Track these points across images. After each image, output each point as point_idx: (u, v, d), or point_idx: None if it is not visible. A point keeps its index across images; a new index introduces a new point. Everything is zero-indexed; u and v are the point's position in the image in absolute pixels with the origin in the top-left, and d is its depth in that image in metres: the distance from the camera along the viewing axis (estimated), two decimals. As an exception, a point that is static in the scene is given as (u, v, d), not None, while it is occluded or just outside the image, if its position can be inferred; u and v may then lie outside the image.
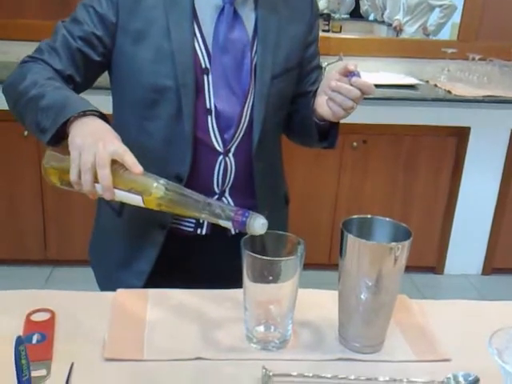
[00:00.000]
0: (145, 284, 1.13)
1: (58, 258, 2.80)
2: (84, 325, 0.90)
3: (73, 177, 0.87)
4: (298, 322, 0.89)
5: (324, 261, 2.73)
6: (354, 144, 2.68)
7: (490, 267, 2.98)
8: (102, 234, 1.27)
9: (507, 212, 2.88)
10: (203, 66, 1.08)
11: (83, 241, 2.82)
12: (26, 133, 2.54)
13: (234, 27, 1.08)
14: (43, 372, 0.78)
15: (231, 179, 1.14)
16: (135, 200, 0.86)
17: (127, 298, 0.97)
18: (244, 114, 1.11)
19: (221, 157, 1.11)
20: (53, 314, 0.90)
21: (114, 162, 0.85)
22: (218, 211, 0.84)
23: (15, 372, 0.60)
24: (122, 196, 0.87)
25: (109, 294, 0.98)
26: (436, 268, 2.97)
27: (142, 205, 0.86)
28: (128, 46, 1.06)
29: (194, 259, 1.18)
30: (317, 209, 2.79)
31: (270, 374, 0.79)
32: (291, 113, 1.21)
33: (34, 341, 0.84)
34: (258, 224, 0.82)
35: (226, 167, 1.12)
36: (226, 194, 1.15)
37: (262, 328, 0.87)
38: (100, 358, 0.82)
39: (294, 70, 1.15)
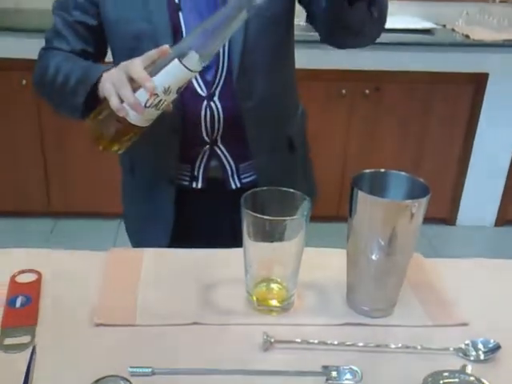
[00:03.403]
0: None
1: (62, 210, 2.75)
2: (73, 287, 0.84)
3: (114, 103, 0.82)
4: (302, 283, 0.83)
5: (332, 213, 2.67)
6: (366, 91, 2.56)
7: (504, 219, 2.91)
8: (124, 193, 1.26)
9: (524, 162, 2.78)
10: (176, 0, 1.00)
11: (86, 192, 2.79)
12: (24, 82, 2.45)
13: None
14: (27, 338, 0.72)
15: (220, 126, 1.05)
16: (177, 71, 0.81)
17: (121, 257, 0.91)
18: (221, 49, 1.01)
19: (205, 102, 1.03)
20: (39, 275, 0.84)
21: None
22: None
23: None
24: (164, 77, 0.81)
25: (101, 254, 0.91)
26: (447, 219, 2.90)
27: (185, 74, 0.82)
28: None
29: (192, 215, 1.13)
30: (326, 159, 2.69)
31: (272, 340, 0.73)
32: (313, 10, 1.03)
33: (18, 304, 0.78)
34: None
35: (212, 113, 1.04)
36: (219, 143, 1.07)
37: (263, 291, 0.81)
38: (89, 323, 0.76)
39: None
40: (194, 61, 0.81)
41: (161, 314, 0.78)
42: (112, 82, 0.84)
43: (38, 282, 0.83)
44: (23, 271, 0.85)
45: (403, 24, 2.64)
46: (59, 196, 2.73)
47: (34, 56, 1.10)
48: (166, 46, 0.84)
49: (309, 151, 1.27)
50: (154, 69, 0.82)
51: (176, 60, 0.81)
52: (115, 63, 1.06)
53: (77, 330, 0.75)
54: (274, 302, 0.80)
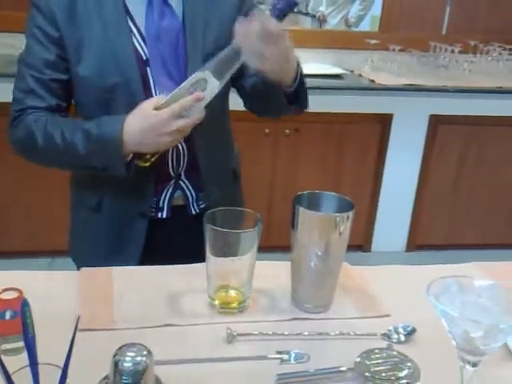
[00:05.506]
0: None
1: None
2: (51, 301, 0.94)
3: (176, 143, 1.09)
4: (255, 289, 0.98)
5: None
6: (287, 131, 2.79)
7: (414, 244, 3.20)
8: (84, 230, 1.29)
9: (427, 192, 3.10)
10: (144, 58, 1.12)
11: (20, 231, 2.79)
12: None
13: (164, 15, 1.12)
14: (20, 344, 0.82)
15: (185, 163, 1.19)
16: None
17: (92, 275, 1.02)
18: None
19: None
20: (21, 292, 0.94)
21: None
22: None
23: (22, 330, 0.66)
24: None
25: (72, 273, 1.03)
26: (363, 246, 3.16)
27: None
28: (73, 53, 1.10)
29: (156, 242, 1.22)
30: (253, 193, 2.86)
31: (235, 333, 0.88)
32: (251, 87, 1.22)
33: (8, 317, 0.87)
34: None
35: (178, 152, 1.18)
36: (182, 177, 1.21)
37: (223, 296, 0.95)
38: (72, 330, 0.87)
39: None
40: (216, 87, 1.03)
41: (136, 318, 0.91)
42: (171, 142, 1.06)
43: (21, 298, 0.93)
44: (6, 289, 0.94)
45: (316, 70, 2.92)
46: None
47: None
48: (201, 94, 1.01)
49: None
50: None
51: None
52: (85, 115, 1.15)
53: (63, 335, 0.86)
54: (233, 305, 0.95)
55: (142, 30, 1.12)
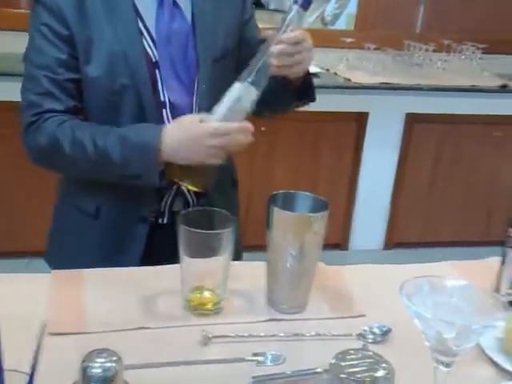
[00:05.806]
0: None
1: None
2: (20, 305, 0.92)
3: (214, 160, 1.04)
4: (231, 290, 0.97)
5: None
6: (263, 129, 2.78)
7: (392, 242, 3.22)
8: (77, 236, 1.22)
9: (404, 190, 3.12)
10: (153, 60, 1.11)
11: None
12: None
13: (174, 18, 1.12)
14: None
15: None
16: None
17: (63, 277, 1.00)
18: (194, 103, 1.14)
19: None
20: (-12, 296, 0.92)
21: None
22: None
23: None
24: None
25: (44, 275, 1.00)
26: (341, 244, 3.17)
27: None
28: (82, 52, 1.07)
29: (155, 246, 1.20)
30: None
31: (210, 335, 0.86)
32: None
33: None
34: None
35: None
36: None
37: (198, 297, 0.94)
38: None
39: (234, 51, 1.18)
40: (254, 96, 1.03)
41: (108, 322, 0.89)
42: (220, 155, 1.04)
43: (-11, 302, 0.90)
44: (-27, 294, 0.91)
45: (293, 68, 2.91)
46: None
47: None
48: (249, 125, 1.04)
49: None
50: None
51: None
52: (91, 118, 1.12)
53: (31, 340, 0.83)
54: (208, 306, 0.94)
55: (152, 31, 1.11)
